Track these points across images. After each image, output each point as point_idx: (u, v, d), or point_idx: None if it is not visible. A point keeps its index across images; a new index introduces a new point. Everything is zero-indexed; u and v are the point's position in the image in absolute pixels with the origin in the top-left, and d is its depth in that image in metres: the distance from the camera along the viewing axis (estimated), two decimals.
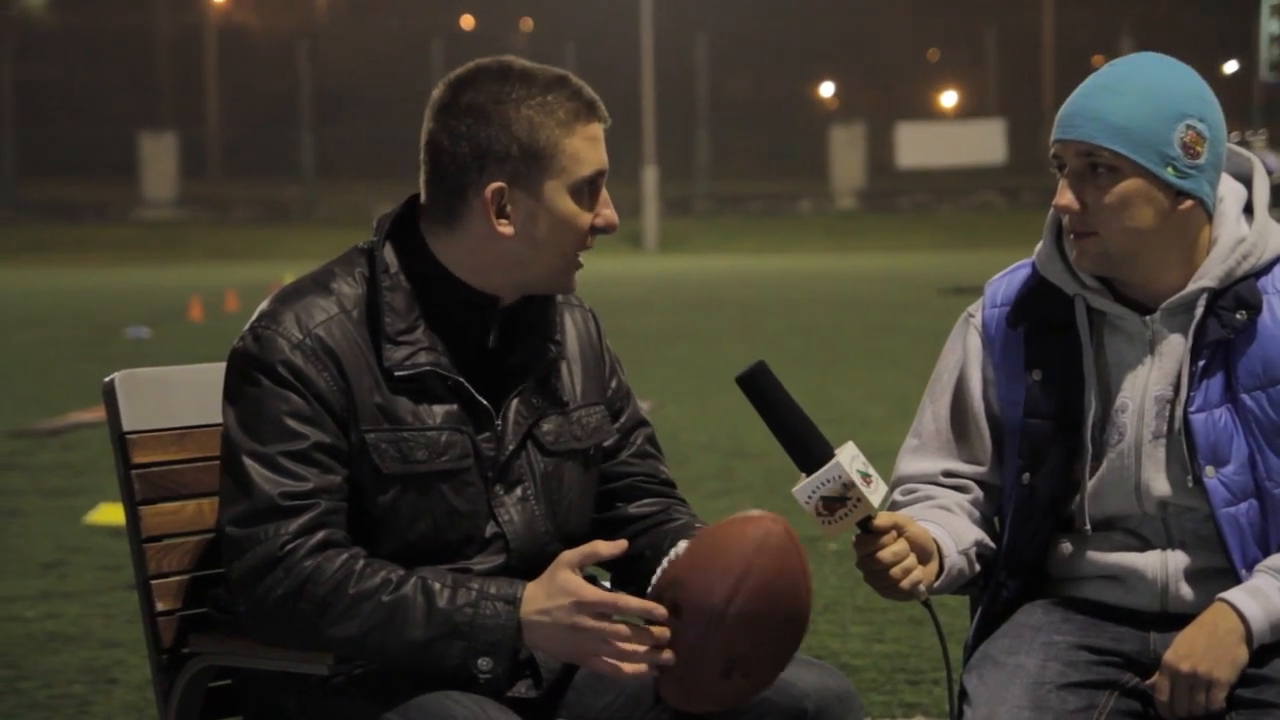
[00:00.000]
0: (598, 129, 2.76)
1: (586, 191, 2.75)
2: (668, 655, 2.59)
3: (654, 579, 2.67)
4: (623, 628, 2.58)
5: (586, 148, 2.74)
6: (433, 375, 2.74)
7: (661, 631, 2.58)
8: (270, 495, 2.66)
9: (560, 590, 2.61)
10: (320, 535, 2.66)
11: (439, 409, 2.75)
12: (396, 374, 2.72)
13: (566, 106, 2.73)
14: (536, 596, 2.63)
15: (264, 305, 2.77)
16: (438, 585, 2.65)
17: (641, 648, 2.59)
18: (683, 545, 2.72)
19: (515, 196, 2.73)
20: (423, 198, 2.79)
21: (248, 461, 2.68)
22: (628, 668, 2.59)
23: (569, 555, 2.64)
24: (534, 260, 2.75)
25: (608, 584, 2.87)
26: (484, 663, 2.62)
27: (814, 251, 38.28)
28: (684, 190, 45.85)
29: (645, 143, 40.47)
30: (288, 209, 46.00)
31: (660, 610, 2.59)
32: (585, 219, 2.76)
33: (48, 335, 18.53)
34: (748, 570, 2.58)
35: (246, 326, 2.75)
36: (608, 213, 2.78)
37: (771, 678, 2.66)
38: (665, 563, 2.70)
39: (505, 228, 2.73)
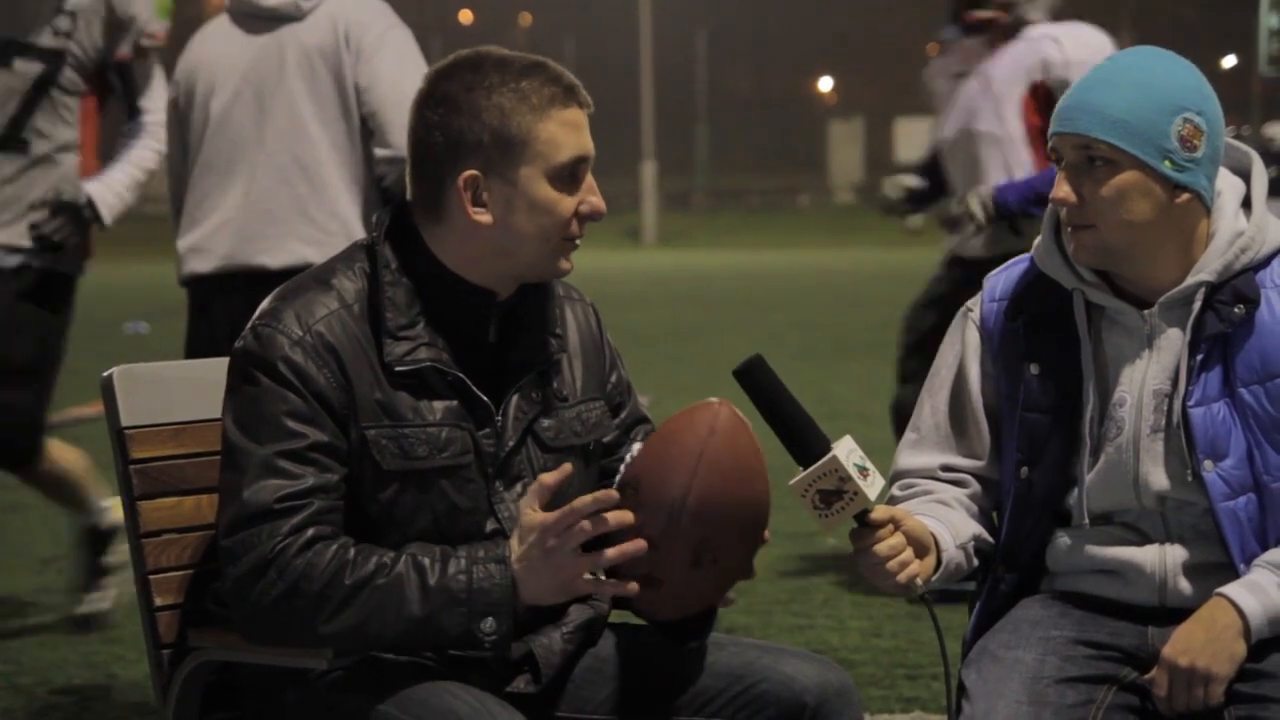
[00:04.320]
0: (577, 114, 2.74)
1: (567, 178, 2.73)
2: (639, 544, 2.59)
3: (615, 480, 2.67)
4: (585, 524, 2.59)
5: (563, 133, 2.72)
6: (433, 371, 2.74)
7: (622, 516, 2.59)
8: (264, 499, 2.65)
9: (526, 530, 2.63)
10: (309, 532, 2.66)
11: (439, 405, 2.75)
12: (397, 369, 2.72)
13: (541, 92, 2.71)
14: (514, 548, 2.65)
15: (266, 303, 2.77)
16: (428, 560, 2.65)
17: (614, 584, 2.60)
18: (638, 445, 2.72)
19: (490, 185, 2.72)
20: (409, 192, 2.79)
21: (245, 463, 2.67)
22: (609, 586, 2.61)
23: (523, 502, 2.65)
24: (516, 249, 2.74)
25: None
26: (488, 624, 2.63)
27: (813, 246, 38.29)
28: (682, 185, 45.87)
29: (644, 138, 40.48)
30: None
31: (614, 495, 2.59)
32: (566, 205, 2.74)
33: None
34: (701, 453, 2.60)
35: (249, 324, 2.75)
36: (593, 199, 2.76)
37: (743, 565, 2.66)
38: (625, 460, 2.70)
39: (482, 216, 2.72)
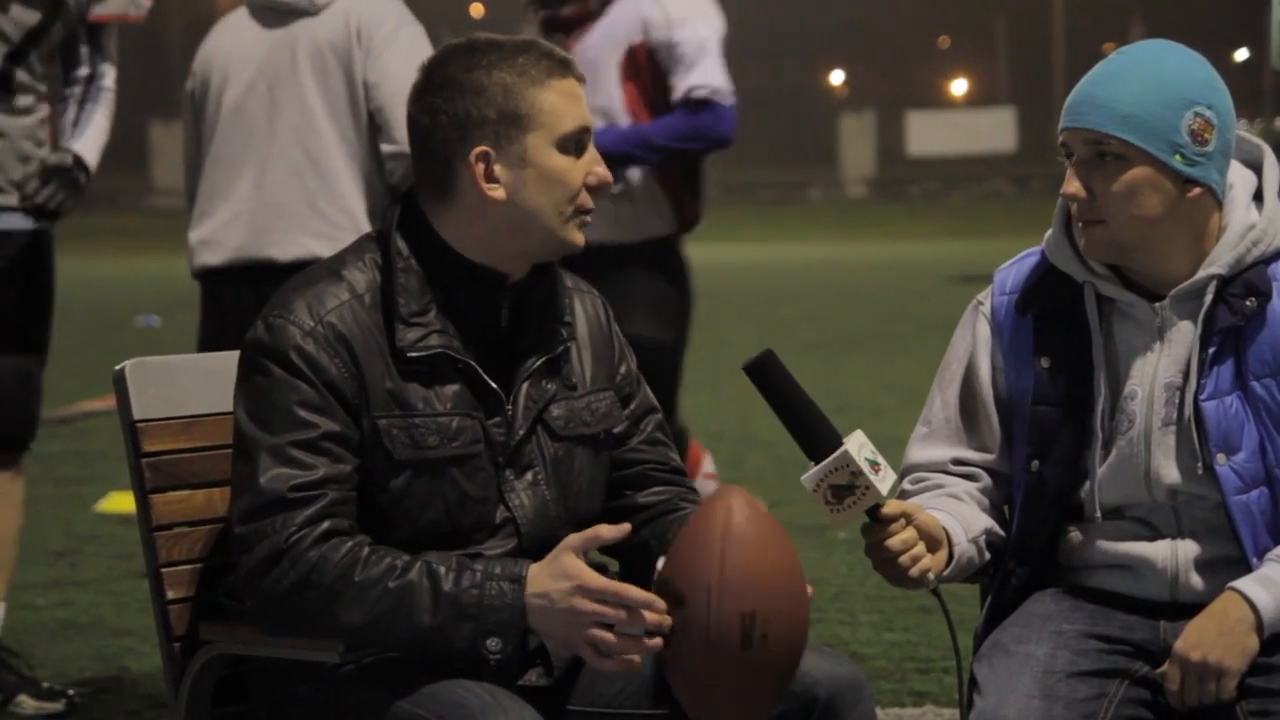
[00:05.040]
0: (574, 85, 2.78)
1: (572, 146, 2.76)
2: (655, 642, 2.59)
3: (656, 574, 2.67)
4: (620, 613, 2.58)
5: (564, 103, 2.76)
6: (444, 358, 2.75)
7: (659, 619, 2.58)
8: (278, 488, 2.66)
9: (563, 574, 2.62)
10: (325, 525, 2.67)
11: (450, 394, 2.75)
12: (409, 355, 2.73)
13: (539, 65, 2.75)
14: (539, 578, 2.63)
15: (277, 294, 2.78)
16: (443, 569, 2.65)
17: (629, 644, 2.58)
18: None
19: (501, 159, 2.74)
20: (415, 181, 2.80)
21: (257, 452, 2.68)
22: (609, 663, 2.60)
23: (573, 539, 2.64)
24: (529, 224, 2.76)
25: (615, 570, 2.87)
26: (493, 643, 2.63)
27: (824, 240, 38.25)
28: None
29: None
30: None
31: (660, 603, 2.59)
32: (575, 174, 2.76)
33: (58, 324, 18.49)
34: (724, 534, 2.58)
35: (260, 315, 2.76)
36: (599, 169, 2.79)
37: (795, 634, 2.63)
38: (663, 560, 2.69)
39: (496, 191, 2.74)
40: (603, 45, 5.39)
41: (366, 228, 4.63)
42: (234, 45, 4.79)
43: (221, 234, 4.76)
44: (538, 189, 2.75)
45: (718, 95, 5.36)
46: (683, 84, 5.34)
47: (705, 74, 5.35)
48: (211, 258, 4.77)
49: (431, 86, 2.77)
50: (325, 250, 4.56)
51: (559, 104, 2.75)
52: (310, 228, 4.68)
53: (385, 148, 4.68)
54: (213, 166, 4.79)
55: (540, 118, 2.74)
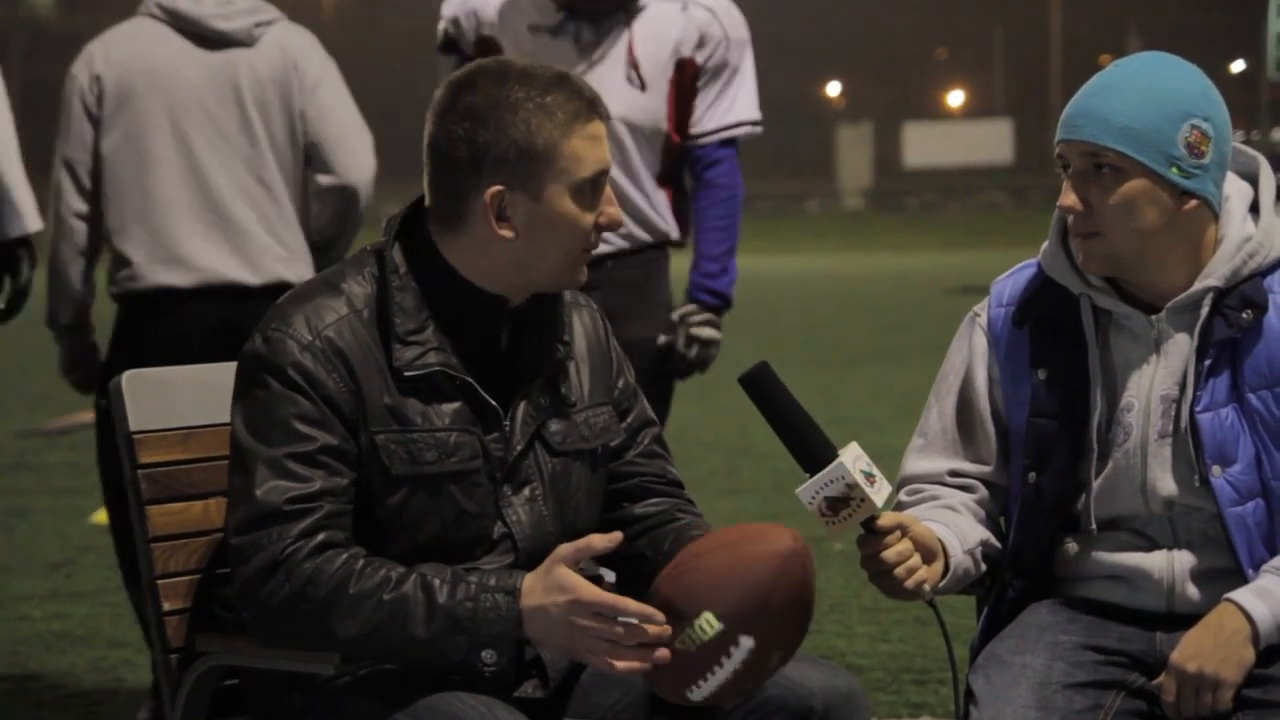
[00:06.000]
0: (599, 127, 2.75)
1: (588, 191, 2.74)
2: (663, 654, 2.59)
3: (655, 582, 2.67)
4: (619, 629, 2.59)
5: (586, 147, 2.73)
6: (442, 375, 2.75)
7: (659, 631, 2.59)
8: (274, 500, 2.66)
9: (557, 586, 2.61)
10: (321, 537, 2.66)
11: (448, 409, 2.75)
12: (406, 374, 2.73)
13: (565, 107, 2.72)
14: (533, 590, 2.63)
15: (275, 306, 2.77)
16: (437, 581, 2.65)
17: (635, 651, 2.59)
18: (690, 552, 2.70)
19: (514, 200, 2.72)
20: (426, 200, 2.80)
21: (254, 465, 2.68)
22: (620, 665, 2.60)
23: (564, 550, 2.64)
24: (536, 261, 2.75)
25: (612, 579, 2.87)
26: (488, 655, 2.63)
27: (821, 251, 38.27)
28: None
29: None
30: None
31: (659, 616, 2.59)
32: (587, 219, 2.75)
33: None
34: (771, 592, 2.62)
35: (257, 328, 2.75)
36: (611, 210, 2.77)
37: (788, 656, 2.71)
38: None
39: (506, 230, 2.73)
40: (654, 51, 4.58)
41: (309, 258, 4.68)
42: (157, 60, 4.69)
43: (183, 253, 4.67)
44: (548, 232, 2.73)
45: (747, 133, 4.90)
46: (723, 113, 4.75)
47: (750, 106, 4.80)
48: (175, 278, 4.69)
49: (455, 112, 2.73)
50: (290, 275, 4.60)
51: (580, 149, 2.72)
52: (274, 253, 4.69)
53: (324, 180, 4.70)
54: (139, 182, 4.67)
55: (560, 163, 2.71)
